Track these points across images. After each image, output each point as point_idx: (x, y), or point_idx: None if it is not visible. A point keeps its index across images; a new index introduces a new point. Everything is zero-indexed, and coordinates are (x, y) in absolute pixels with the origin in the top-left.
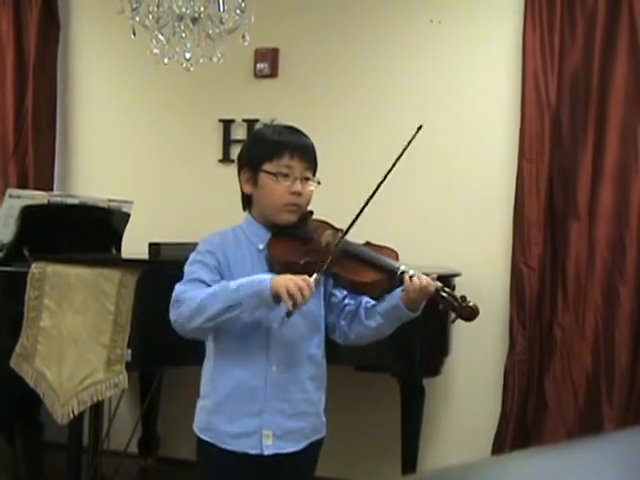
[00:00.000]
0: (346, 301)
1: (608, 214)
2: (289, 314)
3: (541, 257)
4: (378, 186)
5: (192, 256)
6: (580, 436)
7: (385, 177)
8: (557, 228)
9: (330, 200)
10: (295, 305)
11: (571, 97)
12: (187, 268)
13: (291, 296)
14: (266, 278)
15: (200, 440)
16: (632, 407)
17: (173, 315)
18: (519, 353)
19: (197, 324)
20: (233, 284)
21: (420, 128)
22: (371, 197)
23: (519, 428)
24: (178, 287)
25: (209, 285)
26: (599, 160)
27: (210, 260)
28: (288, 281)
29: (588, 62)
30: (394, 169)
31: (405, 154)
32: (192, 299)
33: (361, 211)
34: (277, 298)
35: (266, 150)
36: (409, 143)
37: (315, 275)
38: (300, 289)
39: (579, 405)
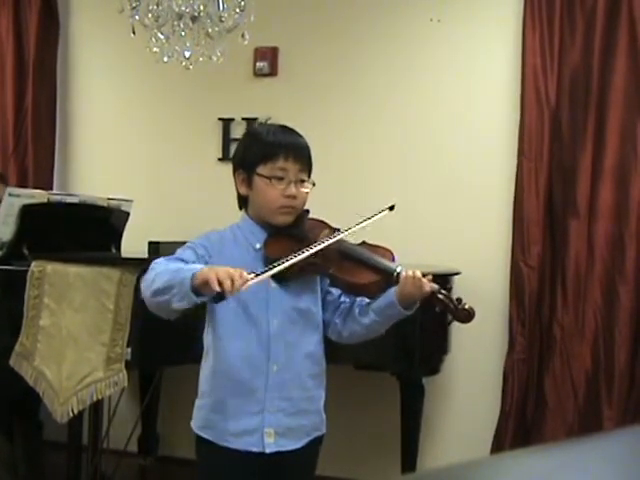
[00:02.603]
0: (342, 299)
1: (608, 212)
2: (215, 299)
3: (540, 256)
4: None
5: (186, 243)
6: (579, 435)
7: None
8: (557, 227)
9: (330, 199)
10: (223, 290)
11: (571, 96)
12: (179, 249)
13: (220, 283)
14: (197, 268)
15: (199, 438)
16: (631, 406)
17: (142, 281)
18: (519, 352)
19: (147, 295)
20: (176, 266)
21: (392, 208)
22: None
23: (519, 427)
24: (158, 259)
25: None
26: (598, 159)
27: (200, 250)
28: (219, 269)
29: (588, 61)
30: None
31: (405, 153)
32: (155, 269)
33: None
34: (202, 287)
35: (260, 152)
36: (376, 215)
37: (252, 274)
38: (230, 277)
39: (578, 404)
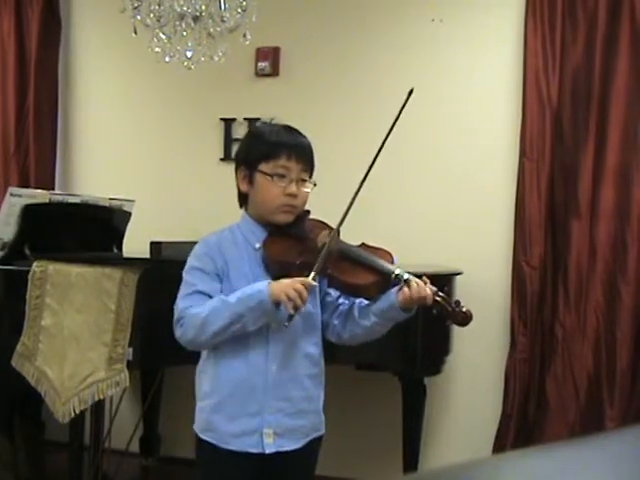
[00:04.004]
0: (340, 300)
1: (609, 213)
2: (290, 318)
3: (542, 256)
4: (370, 168)
5: (190, 261)
6: (581, 435)
7: (377, 156)
8: (558, 227)
9: (331, 199)
10: (296, 309)
11: (572, 96)
12: (185, 277)
13: (291, 301)
14: (263, 288)
15: (201, 440)
16: (633, 406)
17: (178, 332)
18: (520, 352)
19: (203, 340)
20: (232, 298)
21: (411, 92)
22: (362, 184)
23: (520, 427)
24: (179, 303)
25: (209, 296)
26: (600, 159)
27: (208, 265)
28: (287, 287)
29: (589, 61)
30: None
31: (407, 153)
32: (195, 316)
33: (352, 203)
34: (277, 304)
35: (263, 150)
36: (402, 109)
37: (312, 274)
38: (299, 292)
39: (580, 404)
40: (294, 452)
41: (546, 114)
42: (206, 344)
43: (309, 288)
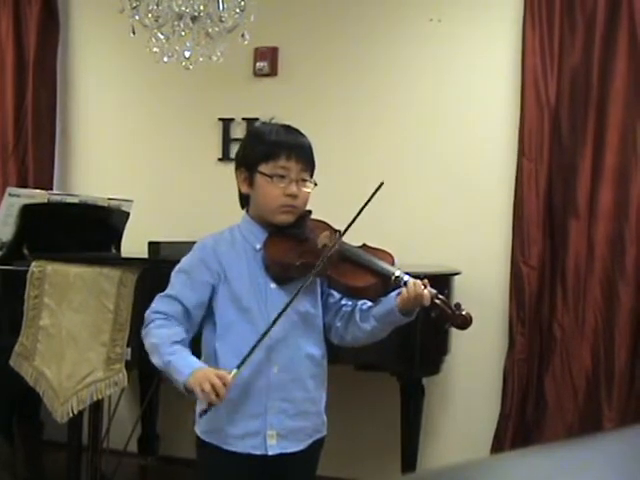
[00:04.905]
0: (343, 302)
1: (608, 213)
2: (201, 414)
3: (541, 256)
4: (354, 219)
5: (183, 260)
6: (579, 435)
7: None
8: (557, 227)
9: (330, 200)
10: (210, 404)
11: (571, 97)
12: (172, 275)
13: (204, 393)
14: (187, 371)
15: (203, 442)
16: (631, 406)
17: (142, 332)
18: (519, 352)
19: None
20: (168, 355)
21: (381, 185)
22: (357, 215)
23: (519, 427)
24: (154, 302)
25: (182, 304)
26: (598, 159)
27: (199, 272)
28: (204, 380)
29: (588, 62)
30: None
31: (405, 154)
32: (150, 335)
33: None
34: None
35: (262, 151)
36: (370, 199)
37: (234, 370)
38: (215, 388)
39: (579, 404)
40: (296, 454)
41: (544, 114)
42: None
43: (228, 385)
